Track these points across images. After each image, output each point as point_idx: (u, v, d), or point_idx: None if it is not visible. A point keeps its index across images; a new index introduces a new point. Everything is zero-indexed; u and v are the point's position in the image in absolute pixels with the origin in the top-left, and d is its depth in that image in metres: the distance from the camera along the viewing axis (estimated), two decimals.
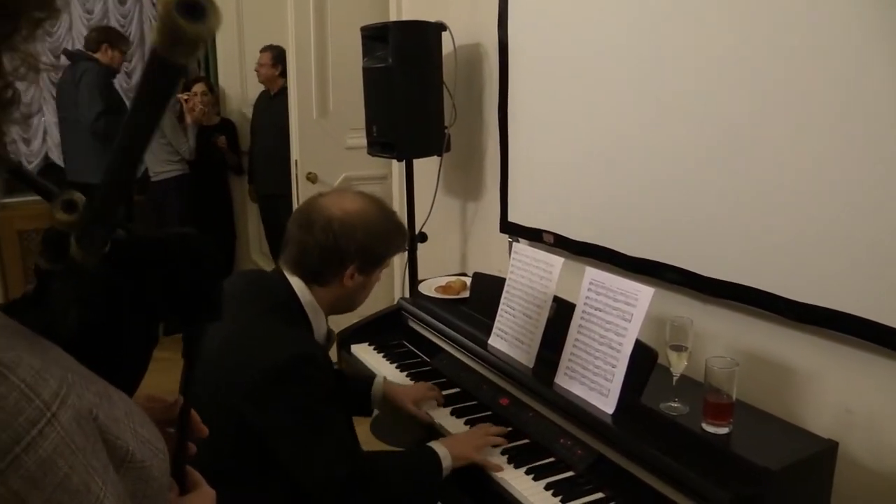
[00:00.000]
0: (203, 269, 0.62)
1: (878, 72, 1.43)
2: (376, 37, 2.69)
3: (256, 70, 4.58)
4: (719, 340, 1.87)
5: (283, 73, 4.38)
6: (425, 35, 2.69)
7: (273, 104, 4.49)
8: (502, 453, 1.70)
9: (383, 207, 1.74)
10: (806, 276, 1.62)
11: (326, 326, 1.73)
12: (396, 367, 2.20)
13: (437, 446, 1.66)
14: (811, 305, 1.61)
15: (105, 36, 4.41)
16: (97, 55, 4.34)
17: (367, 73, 2.74)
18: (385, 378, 2.02)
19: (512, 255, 2.02)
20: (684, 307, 1.93)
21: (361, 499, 1.53)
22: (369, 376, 2.04)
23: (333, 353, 2.44)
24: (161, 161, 4.47)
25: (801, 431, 1.53)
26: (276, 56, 4.44)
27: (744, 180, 1.73)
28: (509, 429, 1.80)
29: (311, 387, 1.50)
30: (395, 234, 1.73)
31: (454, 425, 1.85)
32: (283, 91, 4.40)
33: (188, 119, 4.54)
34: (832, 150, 1.54)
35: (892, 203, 1.44)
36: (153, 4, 5.27)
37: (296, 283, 1.66)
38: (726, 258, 1.80)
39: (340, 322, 2.84)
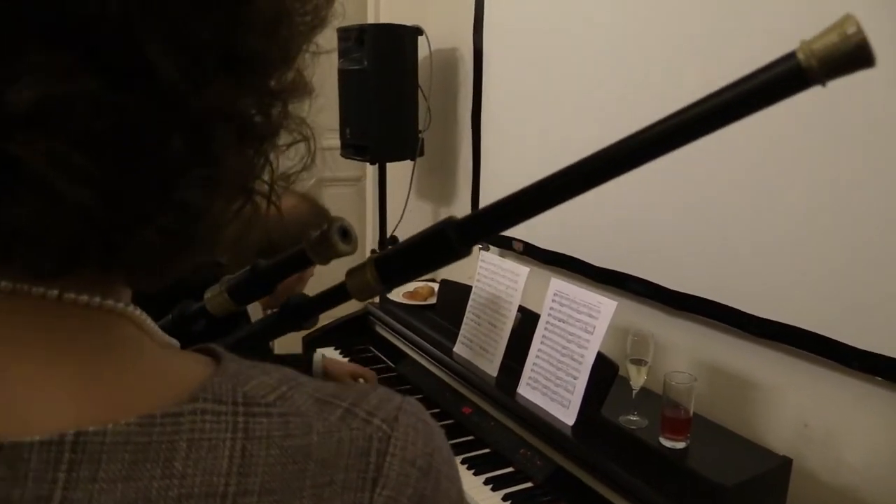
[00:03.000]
0: None
1: (853, 91, 1.45)
2: (352, 38, 2.68)
3: None
4: (682, 353, 1.88)
5: None
6: (401, 38, 2.68)
7: None
8: (462, 462, 1.69)
9: (312, 204, 1.76)
10: (768, 293, 1.63)
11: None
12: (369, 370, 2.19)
13: None
14: (772, 321, 1.63)
15: None
16: None
17: (342, 75, 2.72)
18: (323, 355, 2.05)
19: (479, 263, 2.01)
20: (649, 318, 1.94)
21: None
22: (308, 354, 2.06)
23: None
24: None
25: (757, 447, 1.54)
26: None
27: (710, 197, 1.74)
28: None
29: None
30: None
31: None
32: None
33: None
34: (797, 173, 1.55)
35: (852, 225, 1.46)
36: None
37: None
38: (691, 272, 1.81)
39: None
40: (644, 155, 0.45)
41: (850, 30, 0.39)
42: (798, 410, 1.65)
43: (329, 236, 0.55)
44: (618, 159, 0.46)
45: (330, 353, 2.33)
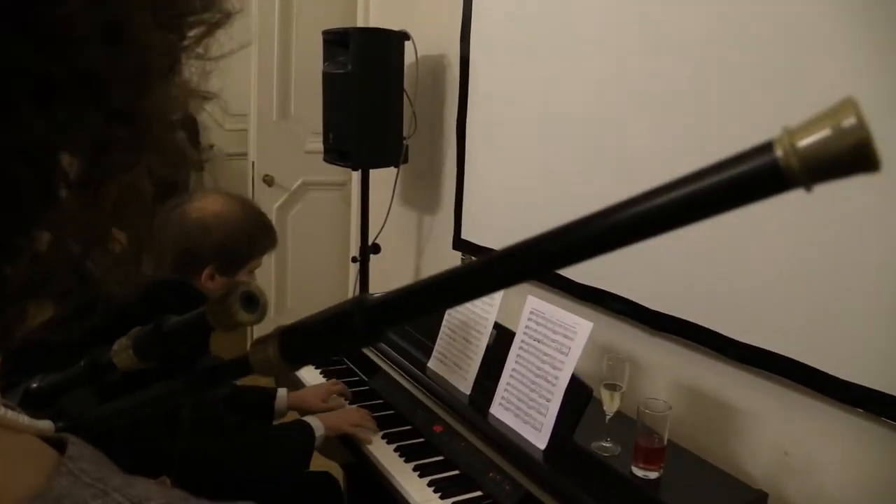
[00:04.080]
0: None
1: None
2: (337, 41, 2.62)
3: None
4: (661, 374, 1.83)
5: None
6: (387, 43, 2.62)
7: None
8: (429, 484, 1.63)
9: (246, 207, 1.69)
10: (750, 318, 1.59)
11: None
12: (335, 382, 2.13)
13: (311, 419, 1.79)
14: (754, 346, 1.58)
15: None
16: None
17: (327, 79, 2.66)
18: (287, 391, 2.01)
19: None
20: (629, 338, 1.89)
21: (241, 470, 1.61)
22: (270, 389, 2.00)
23: None
24: None
25: (733, 480, 1.49)
26: None
27: None
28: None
29: None
30: (257, 235, 1.68)
31: (385, 453, 1.78)
32: None
33: None
34: (784, 199, 1.50)
35: (838, 255, 1.42)
36: None
37: None
38: (673, 293, 1.76)
39: None
40: (568, 258, 0.36)
41: (847, 122, 0.29)
42: (778, 438, 1.60)
43: (229, 303, 0.47)
44: (537, 260, 0.36)
45: (305, 371, 2.26)
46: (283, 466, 1.70)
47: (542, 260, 0.35)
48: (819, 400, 1.50)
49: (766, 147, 0.31)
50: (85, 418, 0.49)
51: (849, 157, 0.29)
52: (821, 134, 0.29)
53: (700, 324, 1.70)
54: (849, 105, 0.29)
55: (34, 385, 0.50)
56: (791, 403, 1.56)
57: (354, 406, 1.94)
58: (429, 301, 0.40)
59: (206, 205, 1.62)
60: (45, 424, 0.35)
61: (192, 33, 0.31)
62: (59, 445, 0.34)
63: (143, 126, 0.30)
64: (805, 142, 0.29)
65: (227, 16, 0.32)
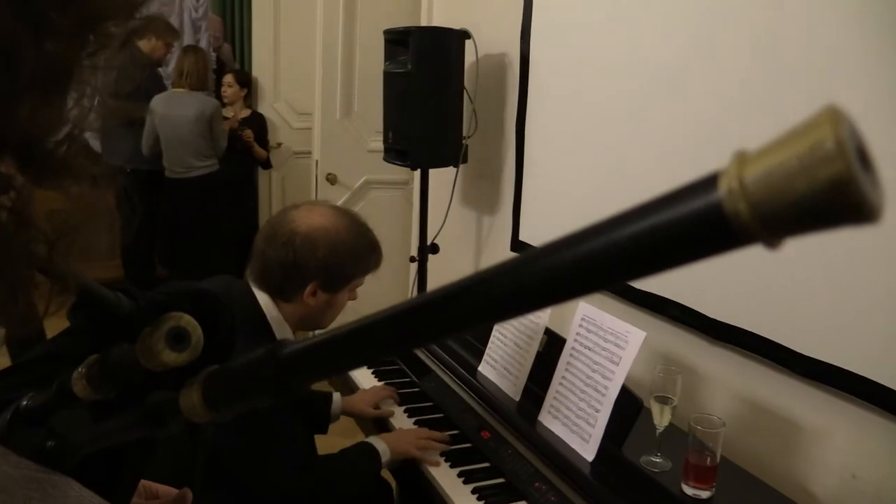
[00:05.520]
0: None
1: None
2: (398, 41, 2.62)
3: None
4: (721, 386, 1.75)
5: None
6: (447, 42, 2.60)
7: None
8: (473, 492, 1.61)
9: (354, 224, 1.66)
10: (818, 331, 1.50)
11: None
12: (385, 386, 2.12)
13: (376, 441, 1.73)
14: (821, 362, 1.49)
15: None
16: (139, 42, 4.26)
17: (387, 78, 2.66)
18: (341, 396, 2.02)
19: None
20: (689, 345, 1.82)
21: (314, 497, 1.61)
22: (326, 394, 2.01)
23: None
24: (202, 156, 4.19)
25: (792, 503, 1.41)
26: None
27: None
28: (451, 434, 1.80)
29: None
30: (363, 253, 1.65)
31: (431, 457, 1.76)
32: None
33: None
34: None
35: None
36: None
37: (262, 297, 1.62)
38: (736, 301, 1.68)
39: None
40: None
41: (823, 147, 0.19)
42: (845, 459, 1.50)
43: (153, 340, 0.42)
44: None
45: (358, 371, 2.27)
46: (351, 493, 1.71)
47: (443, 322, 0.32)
48: (892, 420, 1.40)
49: (709, 182, 0.21)
50: (69, 441, 0.47)
51: (823, 200, 0.19)
52: (782, 165, 0.19)
53: (764, 335, 1.61)
54: (825, 119, 0.19)
55: (24, 403, 0.49)
56: (861, 423, 1.46)
57: (420, 428, 1.87)
58: (347, 355, 0.36)
59: (314, 218, 1.61)
60: None
61: (98, 43, 0.28)
62: None
63: (16, 145, 0.27)
64: (758, 177, 0.19)
65: (147, 24, 0.29)
